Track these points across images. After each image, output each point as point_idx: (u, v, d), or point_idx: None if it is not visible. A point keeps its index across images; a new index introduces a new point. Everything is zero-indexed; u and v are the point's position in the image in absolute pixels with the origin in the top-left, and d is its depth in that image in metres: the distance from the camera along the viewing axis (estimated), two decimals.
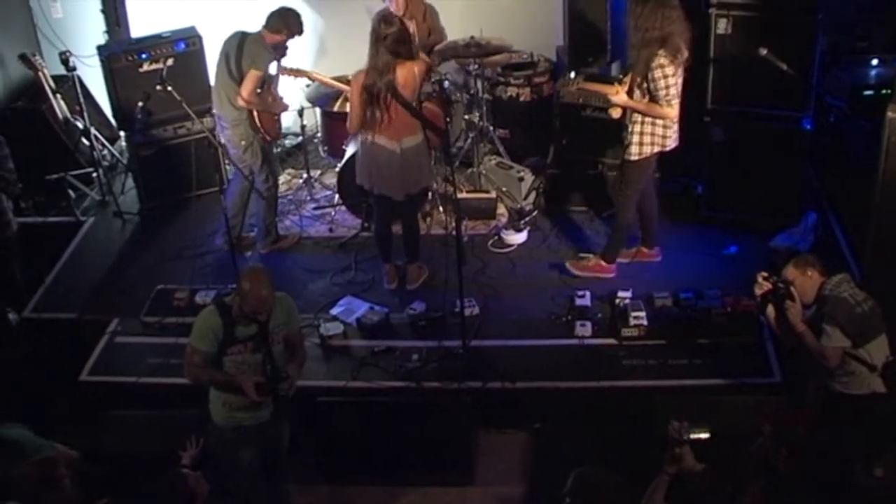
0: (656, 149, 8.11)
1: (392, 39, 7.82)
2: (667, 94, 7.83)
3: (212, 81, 9.25)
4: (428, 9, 10.22)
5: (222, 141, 9.07)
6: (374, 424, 7.51)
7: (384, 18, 7.93)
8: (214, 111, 9.07)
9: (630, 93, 8.00)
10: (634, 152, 8.12)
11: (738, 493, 5.33)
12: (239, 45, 8.72)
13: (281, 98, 9.14)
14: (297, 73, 9.73)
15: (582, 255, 9.04)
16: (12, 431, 6.30)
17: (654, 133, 8.04)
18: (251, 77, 8.64)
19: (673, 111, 7.94)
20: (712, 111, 8.97)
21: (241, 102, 8.70)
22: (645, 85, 7.90)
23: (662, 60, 7.74)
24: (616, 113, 8.22)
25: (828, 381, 6.39)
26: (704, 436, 5.48)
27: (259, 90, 8.75)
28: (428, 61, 8.32)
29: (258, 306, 6.05)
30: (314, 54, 11.30)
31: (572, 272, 8.83)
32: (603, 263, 8.76)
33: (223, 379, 6.21)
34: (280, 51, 8.95)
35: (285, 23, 8.80)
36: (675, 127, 8.10)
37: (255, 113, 8.82)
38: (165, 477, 5.53)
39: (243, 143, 8.88)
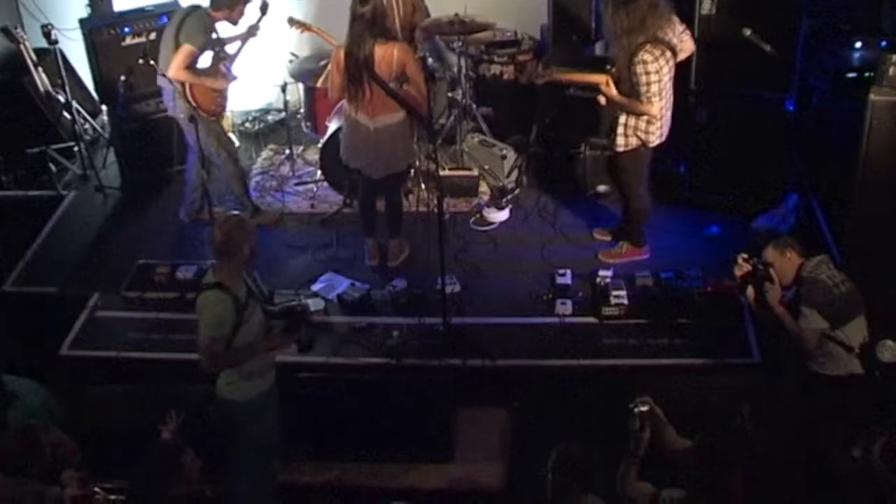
0: (636, 142, 8.07)
1: (367, 17, 7.81)
2: (647, 91, 7.76)
3: None
4: None
5: (170, 114, 9.11)
6: (355, 401, 7.50)
7: None
8: (158, 82, 9.05)
9: (617, 84, 7.98)
10: (620, 143, 8.11)
11: (724, 472, 5.36)
12: (182, 18, 8.74)
13: (230, 74, 9.08)
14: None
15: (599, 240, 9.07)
16: (18, 385, 6.37)
17: (637, 126, 8.00)
18: (181, 52, 8.64)
19: (653, 108, 7.85)
20: (696, 91, 8.97)
21: (170, 74, 8.71)
22: (629, 78, 7.85)
23: (646, 56, 7.67)
24: (603, 100, 8.21)
25: (806, 361, 6.43)
26: (644, 408, 5.59)
27: (196, 66, 8.78)
28: (407, 47, 8.27)
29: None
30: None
31: (606, 262, 8.74)
32: (633, 248, 8.76)
33: (250, 353, 6.14)
34: (233, 21, 8.98)
35: (228, 2, 8.77)
36: (659, 124, 8.02)
37: (187, 86, 8.79)
38: (153, 448, 5.56)
39: (182, 115, 8.87)
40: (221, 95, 9.05)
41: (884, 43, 7.86)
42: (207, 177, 8.71)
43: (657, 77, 7.73)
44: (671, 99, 8.05)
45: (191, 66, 8.72)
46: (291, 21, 10.01)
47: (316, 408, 7.40)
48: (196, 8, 8.83)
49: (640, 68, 7.69)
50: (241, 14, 8.93)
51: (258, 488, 6.57)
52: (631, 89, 7.86)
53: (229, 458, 6.45)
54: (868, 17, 8.91)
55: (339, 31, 8.68)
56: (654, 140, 8.08)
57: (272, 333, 6.20)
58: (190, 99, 8.80)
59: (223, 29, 9.10)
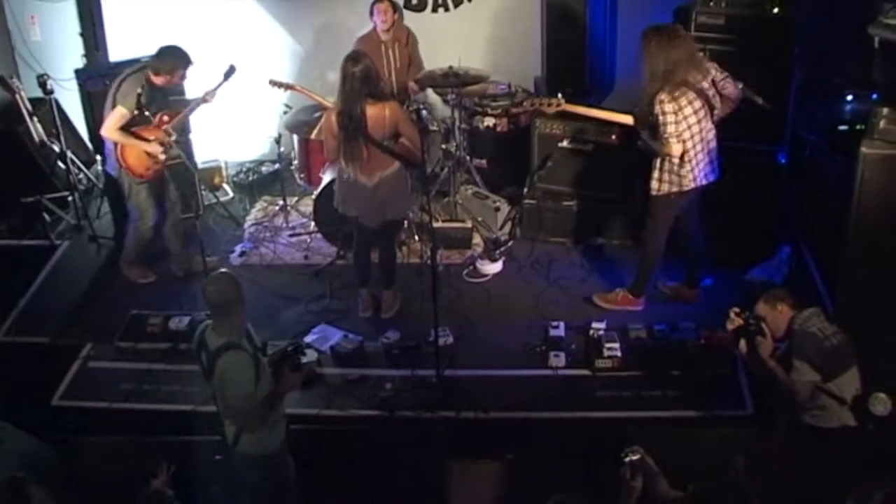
0: (674, 188, 8.08)
1: (359, 78, 7.85)
2: (664, 131, 7.81)
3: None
4: (410, 35, 10.29)
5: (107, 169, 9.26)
6: (348, 453, 7.47)
7: (352, 58, 7.96)
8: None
9: (640, 125, 8.05)
10: (654, 187, 8.13)
11: None
12: (123, 78, 8.81)
13: (168, 143, 9.03)
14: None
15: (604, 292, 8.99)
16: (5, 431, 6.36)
17: (671, 171, 8.02)
18: (114, 113, 8.73)
19: (672, 149, 7.87)
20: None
21: (102, 132, 8.84)
22: (655, 122, 7.91)
23: (663, 97, 7.74)
24: (640, 143, 8.23)
25: (800, 414, 6.42)
26: (635, 457, 5.60)
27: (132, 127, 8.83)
28: (398, 106, 8.28)
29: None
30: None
31: (600, 305, 8.78)
32: (630, 297, 8.74)
33: (276, 399, 6.22)
34: (175, 84, 9.08)
35: (163, 64, 8.79)
36: (690, 167, 8.00)
37: (118, 147, 8.86)
38: (144, 500, 5.54)
39: (113, 173, 9.06)
40: (154, 160, 9.01)
41: (875, 96, 7.89)
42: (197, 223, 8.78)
43: (673, 118, 7.78)
44: (706, 143, 8.06)
45: (124, 127, 8.77)
46: (273, 83, 10.08)
47: (308, 460, 7.36)
48: (141, 69, 8.87)
49: (657, 108, 7.78)
50: (182, 78, 8.99)
51: None
52: (654, 131, 7.94)
53: None
54: (859, 70, 8.96)
55: (322, 88, 8.78)
56: (689, 183, 8.06)
57: (284, 376, 6.19)
58: (119, 159, 8.88)
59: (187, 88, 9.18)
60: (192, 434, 7.27)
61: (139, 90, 8.71)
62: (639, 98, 8.04)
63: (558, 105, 8.53)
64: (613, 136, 9.34)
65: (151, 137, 8.89)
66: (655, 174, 8.09)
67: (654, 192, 8.15)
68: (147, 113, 8.85)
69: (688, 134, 7.88)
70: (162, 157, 8.99)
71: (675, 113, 7.78)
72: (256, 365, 6.03)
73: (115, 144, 8.84)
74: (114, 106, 8.71)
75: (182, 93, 9.67)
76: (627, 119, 8.18)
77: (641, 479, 5.57)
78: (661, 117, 7.79)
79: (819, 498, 5.81)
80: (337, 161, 8.28)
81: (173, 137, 9.09)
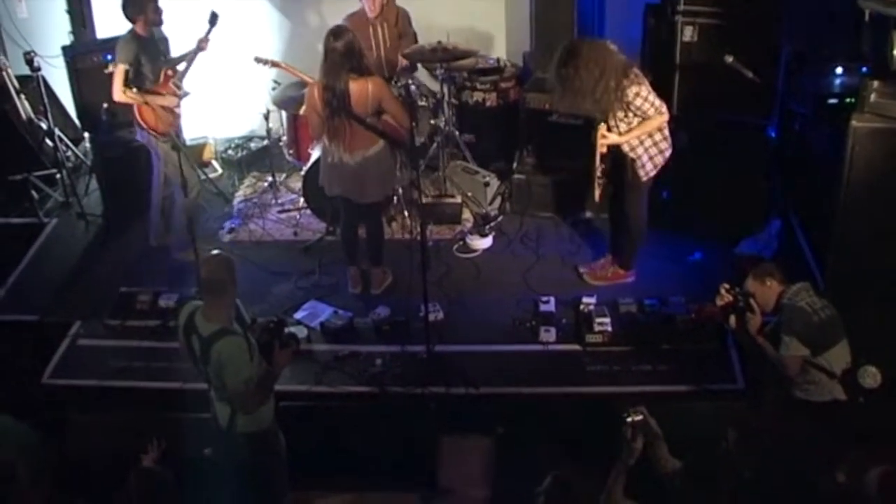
0: (659, 161, 8.11)
1: (341, 53, 7.81)
2: (653, 106, 7.81)
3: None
4: (400, 12, 10.23)
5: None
6: (338, 429, 7.48)
7: (333, 32, 7.91)
8: None
9: (609, 130, 8.01)
10: (643, 174, 8.11)
11: (710, 496, 5.36)
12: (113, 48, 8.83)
13: (180, 90, 9.04)
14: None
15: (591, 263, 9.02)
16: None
17: (656, 143, 8.03)
18: (116, 74, 8.71)
19: (665, 115, 7.92)
20: (677, 118, 8.93)
21: (114, 98, 8.82)
22: (627, 115, 7.88)
23: (630, 86, 7.71)
24: (603, 149, 8.20)
25: (790, 388, 6.43)
26: (638, 418, 5.59)
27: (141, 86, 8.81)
28: (382, 81, 8.23)
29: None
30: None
31: (591, 283, 8.79)
32: (620, 271, 8.76)
33: (270, 379, 6.19)
34: (157, 26, 9.12)
35: (132, 9, 8.76)
36: (665, 133, 8.07)
37: (135, 109, 8.84)
38: (135, 476, 5.54)
39: (144, 140, 9.01)
40: (173, 114, 9.02)
41: (864, 69, 7.89)
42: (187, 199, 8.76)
43: (649, 94, 7.79)
44: None
45: (130, 84, 8.74)
46: (258, 59, 10.06)
47: (297, 436, 7.36)
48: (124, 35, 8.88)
49: (637, 101, 7.75)
50: (156, 13, 8.89)
51: None
52: (631, 123, 7.92)
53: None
54: (848, 42, 8.95)
55: (306, 65, 8.74)
56: (667, 149, 8.11)
57: (275, 355, 6.18)
58: (140, 121, 8.85)
59: (177, 47, 9.12)
60: (183, 411, 7.26)
61: (132, 45, 8.71)
62: (605, 110, 7.91)
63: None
64: None
65: (164, 92, 8.90)
66: (640, 163, 8.06)
67: (644, 179, 8.13)
68: (149, 73, 8.85)
69: (659, 103, 7.88)
70: (178, 110, 9.03)
71: (639, 95, 7.75)
72: (249, 347, 6.01)
73: (132, 108, 8.81)
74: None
75: (168, 52, 9.75)
76: (601, 130, 8.10)
77: (642, 440, 5.58)
78: (644, 101, 7.76)
79: (810, 471, 5.83)
80: (321, 138, 8.25)
81: (183, 90, 9.07)
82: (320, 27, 10.28)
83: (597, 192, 8.28)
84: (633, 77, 7.75)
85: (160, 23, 9.05)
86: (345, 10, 10.13)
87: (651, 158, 8.06)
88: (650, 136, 7.99)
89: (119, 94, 8.71)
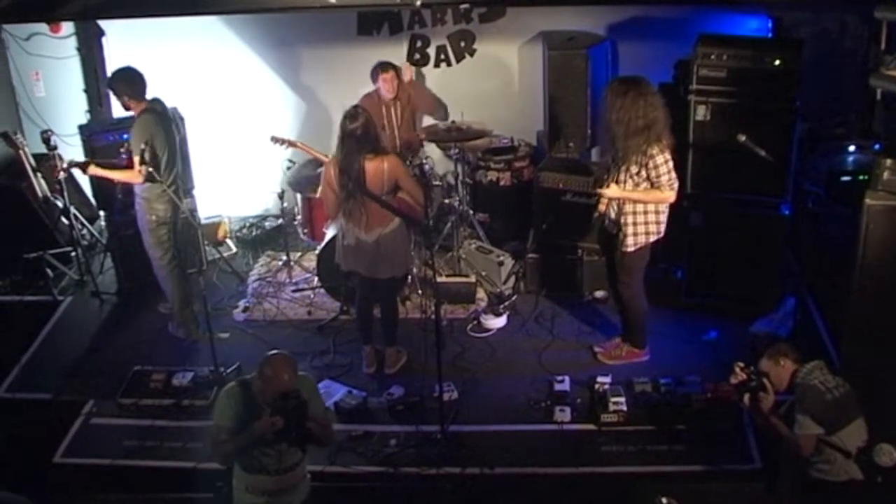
0: (652, 237, 8.10)
1: (357, 135, 7.88)
2: (669, 179, 7.84)
3: (192, 161, 9.30)
4: (412, 85, 10.34)
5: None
6: None
7: (349, 115, 7.98)
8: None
9: (618, 184, 8.02)
10: (631, 243, 8.10)
11: None
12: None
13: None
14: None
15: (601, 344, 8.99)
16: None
17: (648, 221, 8.03)
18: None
19: (673, 195, 7.94)
20: (691, 196, 9.01)
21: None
22: (640, 174, 7.90)
23: (658, 147, 7.76)
24: (604, 205, 8.24)
25: (805, 468, 6.38)
26: None
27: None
28: (397, 159, 8.26)
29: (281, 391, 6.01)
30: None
31: (606, 363, 8.75)
32: (634, 350, 8.74)
33: (250, 437, 6.07)
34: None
35: (123, 87, 8.82)
36: (667, 213, 8.08)
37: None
38: None
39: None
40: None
41: (877, 146, 7.91)
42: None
43: (667, 167, 7.81)
44: None
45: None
46: (275, 139, 10.11)
47: None
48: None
49: (660, 159, 7.77)
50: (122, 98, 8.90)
51: None
52: (638, 184, 7.93)
53: None
54: (861, 120, 9.00)
55: (321, 142, 8.78)
56: (663, 228, 8.11)
57: (266, 420, 6.10)
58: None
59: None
60: (195, 492, 7.22)
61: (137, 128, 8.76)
62: (622, 155, 7.94)
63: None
64: None
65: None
66: (630, 230, 8.07)
67: (631, 249, 8.13)
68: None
69: (675, 179, 7.91)
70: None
71: (667, 162, 7.80)
72: (251, 410, 6.05)
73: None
74: None
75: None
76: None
77: None
78: (664, 166, 7.79)
79: None
80: (336, 217, 8.28)
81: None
82: (335, 107, 10.34)
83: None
84: (667, 144, 7.80)
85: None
86: (358, 90, 10.22)
87: (643, 231, 8.06)
88: (646, 211, 8.00)
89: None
